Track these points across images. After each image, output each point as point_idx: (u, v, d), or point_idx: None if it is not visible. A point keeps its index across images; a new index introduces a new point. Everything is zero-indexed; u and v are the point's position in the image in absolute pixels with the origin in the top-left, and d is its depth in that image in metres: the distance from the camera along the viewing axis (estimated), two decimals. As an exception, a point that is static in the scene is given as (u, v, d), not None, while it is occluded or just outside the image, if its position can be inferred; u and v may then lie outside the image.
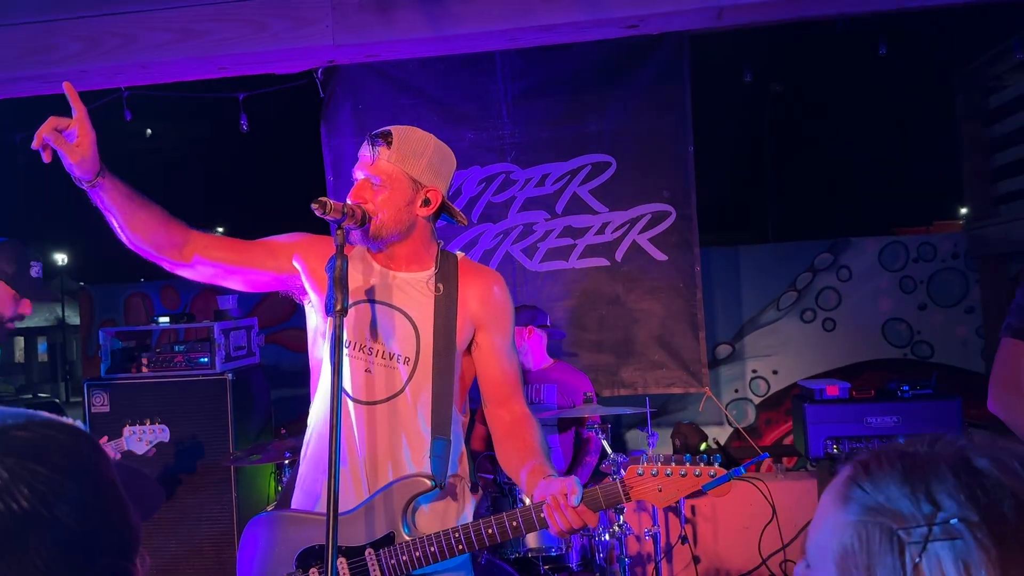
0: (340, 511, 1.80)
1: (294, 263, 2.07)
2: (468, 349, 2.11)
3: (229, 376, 4.06)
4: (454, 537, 1.86)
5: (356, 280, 2.00)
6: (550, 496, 1.78)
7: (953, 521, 0.70)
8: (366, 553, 1.91)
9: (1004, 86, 5.31)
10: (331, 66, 4.33)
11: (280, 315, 5.88)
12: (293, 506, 2.08)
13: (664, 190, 4.55)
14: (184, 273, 2.04)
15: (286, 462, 3.56)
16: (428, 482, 1.92)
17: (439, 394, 1.99)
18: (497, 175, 4.65)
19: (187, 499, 4.02)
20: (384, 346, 2.00)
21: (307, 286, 2.08)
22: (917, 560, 0.70)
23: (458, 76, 4.56)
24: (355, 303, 1.99)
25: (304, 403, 2.19)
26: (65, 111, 1.94)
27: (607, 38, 3.95)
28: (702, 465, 1.80)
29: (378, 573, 1.89)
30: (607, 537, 3.34)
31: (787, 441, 5.32)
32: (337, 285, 1.74)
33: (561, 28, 3.37)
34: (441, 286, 2.03)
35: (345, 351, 1.98)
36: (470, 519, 2.04)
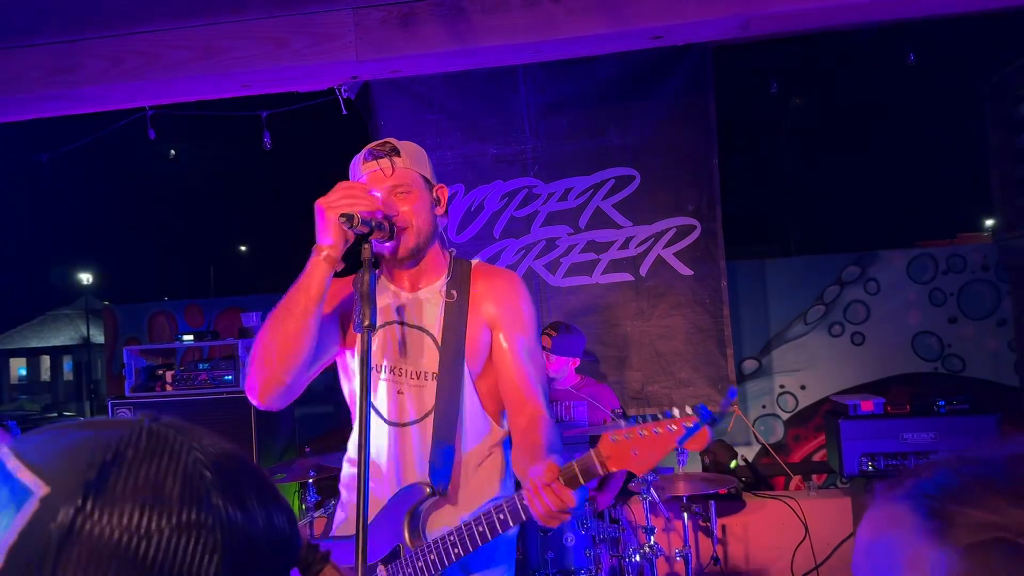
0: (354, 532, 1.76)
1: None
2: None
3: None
4: (449, 541, 1.80)
5: (382, 305, 1.97)
6: (527, 480, 1.68)
7: None
8: (378, 571, 1.88)
9: (1034, 95, 5.22)
10: (355, 83, 4.33)
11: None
12: (334, 531, 2.08)
13: (689, 204, 4.49)
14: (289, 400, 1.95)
15: (311, 480, 3.52)
16: (425, 489, 1.89)
17: (442, 400, 1.93)
18: (520, 190, 4.61)
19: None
20: (412, 366, 1.97)
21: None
22: None
23: (481, 91, 4.54)
24: (381, 326, 1.95)
25: (327, 420, 2.18)
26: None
27: (631, 50, 3.91)
28: (669, 419, 1.62)
29: None
30: (637, 558, 3.26)
31: (816, 457, 5.22)
32: (364, 300, 1.70)
33: (586, 41, 3.34)
34: (455, 292, 1.99)
35: (376, 374, 1.97)
36: None
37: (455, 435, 1.94)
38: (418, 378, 1.97)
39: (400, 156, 1.93)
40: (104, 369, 7.47)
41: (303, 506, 3.63)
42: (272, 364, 1.83)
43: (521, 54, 3.56)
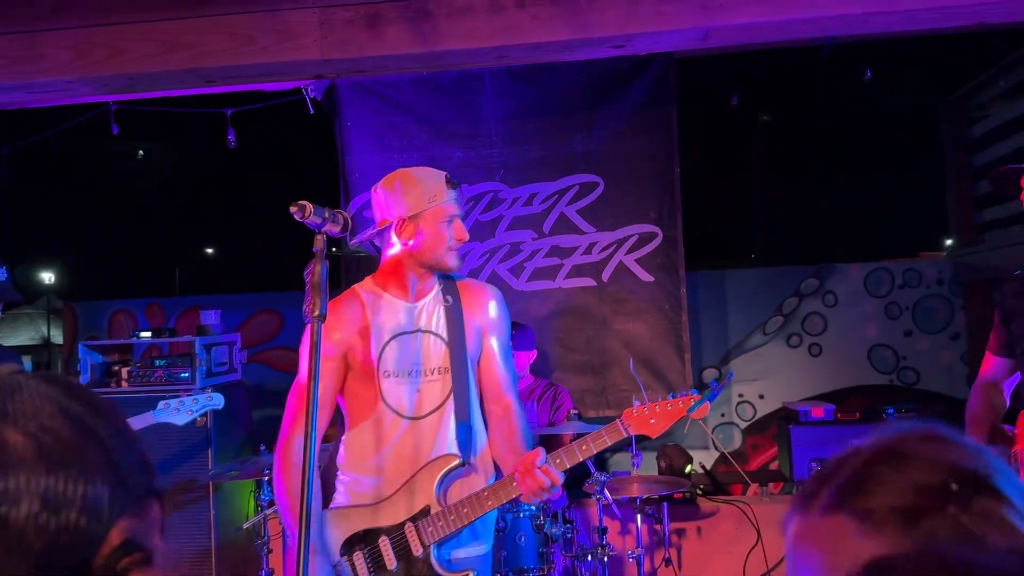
0: (380, 498, 2.27)
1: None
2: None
3: (209, 392, 4.01)
4: (467, 504, 2.21)
5: (388, 320, 2.31)
6: (519, 465, 2.13)
7: None
8: (405, 528, 2.24)
9: (987, 115, 5.37)
10: (322, 83, 4.33)
11: (267, 334, 5.84)
12: (339, 503, 2.37)
13: (651, 211, 4.55)
14: None
15: (265, 478, 3.51)
16: (456, 459, 2.26)
17: (459, 388, 2.31)
18: (485, 194, 4.64)
19: (164, 517, 3.95)
20: (427, 366, 2.32)
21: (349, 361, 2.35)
22: None
23: (447, 95, 4.56)
24: (392, 338, 2.31)
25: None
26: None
27: (595, 58, 3.96)
28: (682, 396, 2.24)
29: (417, 543, 2.21)
30: (590, 559, 3.29)
31: (773, 466, 5.29)
32: (315, 290, 1.74)
33: (550, 47, 3.39)
34: (449, 297, 2.36)
35: (395, 379, 2.30)
36: None
37: (471, 417, 2.34)
38: (433, 374, 2.32)
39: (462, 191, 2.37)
40: (63, 369, 7.35)
41: (257, 504, 3.62)
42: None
43: (486, 58, 3.60)
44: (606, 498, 3.32)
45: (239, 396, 4.40)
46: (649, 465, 4.75)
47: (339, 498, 2.38)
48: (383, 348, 2.29)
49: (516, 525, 3.14)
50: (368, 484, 2.33)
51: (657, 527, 4.00)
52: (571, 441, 3.61)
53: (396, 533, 2.24)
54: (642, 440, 4.78)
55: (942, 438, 0.76)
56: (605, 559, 3.31)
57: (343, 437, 2.40)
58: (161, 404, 3.16)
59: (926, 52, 4.68)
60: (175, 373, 4.03)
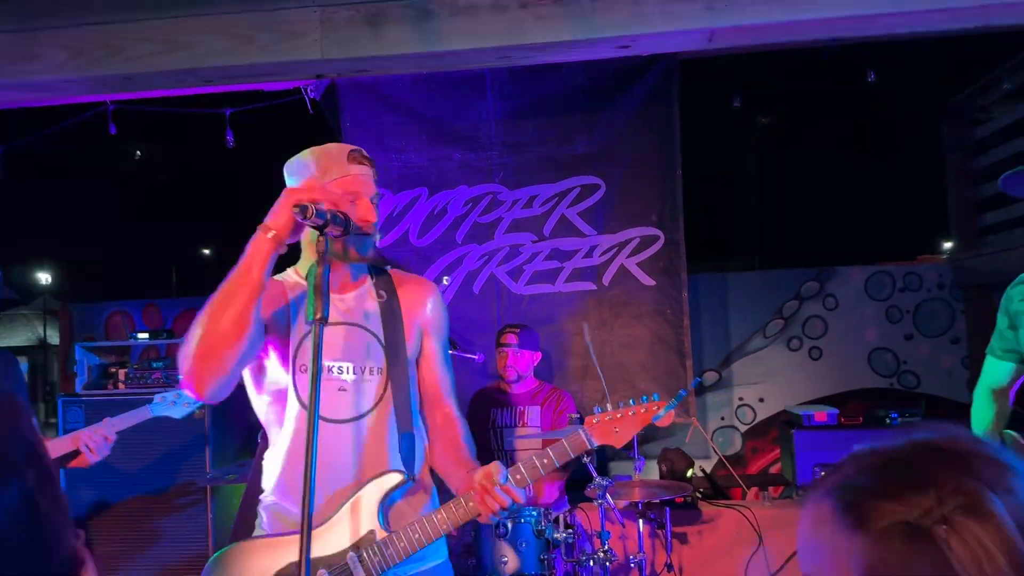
0: (315, 524, 1.86)
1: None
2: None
3: (208, 394, 3.97)
4: (419, 527, 1.94)
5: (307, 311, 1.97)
6: (477, 483, 1.90)
7: None
8: (348, 558, 1.92)
9: (989, 118, 5.35)
10: (322, 83, 4.31)
11: (263, 335, 5.79)
12: (263, 532, 2.07)
13: (653, 214, 4.53)
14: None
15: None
16: (400, 475, 2.00)
17: (398, 393, 2.06)
18: (484, 195, 4.61)
19: (162, 520, 3.92)
20: (354, 363, 2.05)
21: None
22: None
23: (448, 95, 4.53)
24: (310, 330, 1.94)
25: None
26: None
27: (599, 59, 3.94)
28: (645, 404, 2.04)
29: (362, 574, 1.92)
30: (592, 564, 3.26)
31: (773, 470, 5.26)
32: (317, 293, 1.70)
33: (554, 48, 3.36)
34: (383, 293, 2.12)
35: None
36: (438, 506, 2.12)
37: (414, 427, 2.07)
38: (362, 374, 2.04)
39: (376, 171, 2.06)
40: (59, 370, 7.30)
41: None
42: (215, 351, 1.82)
43: (488, 58, 3.57)
44: (608, 503, 3.29)
45: (238, 399, 4.36)
46: (651, 468, 4.72)
47: (263, 525, 2.08)
48: (301, 340, 1.99)
49: (517, 530, 3.11)
50: (293, 506, 1.99)
51: (659, 532, 3.97)
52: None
53: (338, 565, 1.93)
54: (643, 443, 4.76)
55: (954, 450, 0.76)
56: (607, 564, 3.28)
57: (265, 455, 2.11)
58: (157, 398, 3.12)
59: (928, 54, 4.67)
60: (172, 375, 4.00)
